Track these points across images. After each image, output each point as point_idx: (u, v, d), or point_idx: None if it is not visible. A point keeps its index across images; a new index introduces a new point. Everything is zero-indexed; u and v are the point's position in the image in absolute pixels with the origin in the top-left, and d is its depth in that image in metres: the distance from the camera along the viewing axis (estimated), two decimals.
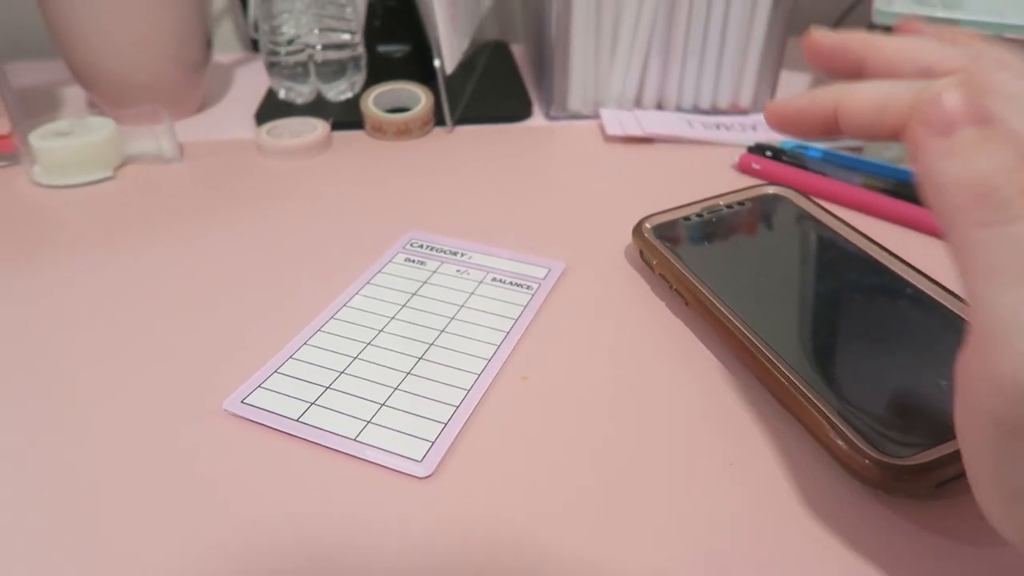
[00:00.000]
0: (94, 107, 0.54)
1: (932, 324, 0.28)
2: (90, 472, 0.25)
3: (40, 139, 0.43)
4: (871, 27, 0.69)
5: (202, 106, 0.55)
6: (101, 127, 0.45)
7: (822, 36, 0.23)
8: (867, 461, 0.22)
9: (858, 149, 0.45)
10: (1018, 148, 0.16)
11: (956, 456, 0.22)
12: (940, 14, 0.37)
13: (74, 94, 0.57)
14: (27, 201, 0.42)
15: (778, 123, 0.22)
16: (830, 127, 0.21)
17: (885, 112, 0.19)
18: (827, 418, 0.24)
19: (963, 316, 0.28)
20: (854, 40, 0.22)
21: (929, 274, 0.30)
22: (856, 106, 0.20)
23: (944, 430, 0.23)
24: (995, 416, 0.16)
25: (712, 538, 0.22)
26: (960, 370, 0.17)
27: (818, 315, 0.29)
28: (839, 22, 0.71)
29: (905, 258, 0.31)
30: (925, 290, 0.29)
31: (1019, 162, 0.16)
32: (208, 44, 0.52)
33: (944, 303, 0.28)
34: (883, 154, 0.43)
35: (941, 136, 0.17)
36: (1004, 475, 0.16)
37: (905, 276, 0.30)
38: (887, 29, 0.56)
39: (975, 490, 0.18)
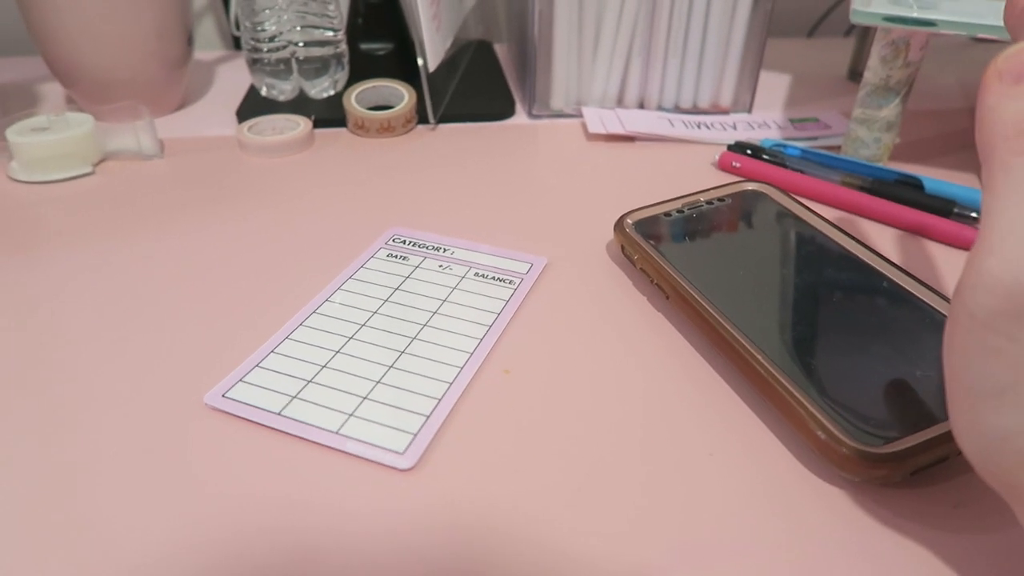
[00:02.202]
0: (73, 104, 0.53)
1: (907, 316, 0.28)
2: (71, 466, 0.24)
3: (17, 135, 0.43)
4: (850, 29, 0.71)
5: (183, 103, 0.54)
6: (80, 123, 0.44)
7: None
8: (845, 450, 0.22)
9: (837, 148, 0.46)
10: None
11: (930, 444, 0.23)
12: (915, 14, 0.38)
13: (53, 90, 0.56)
14: (4, 197, 0.41)
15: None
16: None
17: None
18: (806, 408, 0.24)
19: (935, 307, 0.28)
20: None
21: (904, 268, 0.30)
22: None
23: (919, 419, 0.23)
24: (978, 308, 0.18)
25: (693, 527, 0.22)
26: (963, 273, 0.19)
27: (797, 308, 0.29)
28: (818, 23, 0.72)
29: (881, 252, 0.31)
30: (900, 283, 0.30)
31: None
32: (189, 41, 0.51)
33: (918, 295, 0.29)
34: (860, 152, 0.43)
35: (1012, 83, 0.19)
36: (973, 372, 0.18)
37: (881, 270, 0.30)
38: (865, 31, 0.57)
39: (950, 402, 0.19)
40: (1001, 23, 0.37)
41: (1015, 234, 0.17)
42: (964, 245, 0.36)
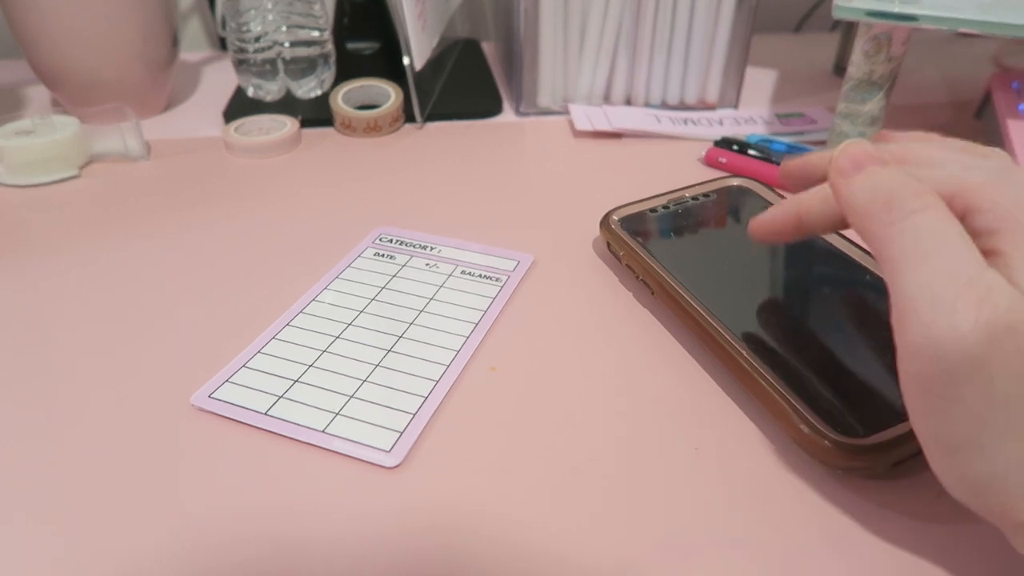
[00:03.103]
0: (58, 106, 0.53)
1: (888, 310, 0.28)
2: (57, 467, 0.24)
3: (2, 138, 0.42)
4: (835, 24, 0.71)
5: (169, 104, 0.54)
6: (65, 126, 0.44)
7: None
8: (827, 443, 0.23)
9: (822, 143, 0.46)
10: (907, 172, 0.20)
11: (911, 436, 0.23)
12: (897, 9, 0.38)
13: (38, 93, 0.56)
14: None
15: (760, 234, 0.27)
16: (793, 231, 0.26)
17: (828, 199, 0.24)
18: (788, 402, 0.24)
19: None
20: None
21: None
22: (809, 204, 0.25)
23: (900, 412, 0.24)
24: (915, 377, 0.19)
25: (677, 521, 0.22)
26: (895, 342, 0.19)
27: (780, 302, 0.29)
28: (804, 19, 0.72)
29: (864, 246, 0.31)
30: (881, 276, 0.30)
31: (909, 178, 0.20)
32: (174, 42, 0.51)
33: None
34: None
35: (853, 174, 0.21)
36: (932, 430, 0.19)
37: (863, 263, 0.31)
38: (851, 27, 0.57)
39: (926, 453, 0.20)
40: (983, 17, 0.37)
41: (920, 297, 0.18)
42: None
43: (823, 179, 0.25)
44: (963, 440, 0.18)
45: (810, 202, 0.25)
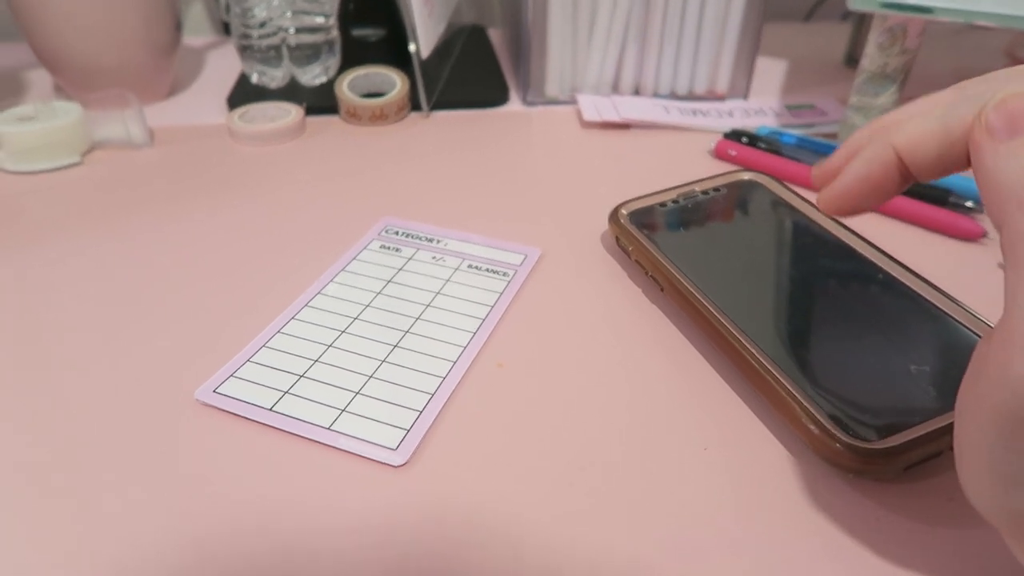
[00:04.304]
0: (60, 91, 0.53)
1: (902, 309, 0.28)
2: (60, 462, 0.24)
3: (3, 124, 0.42)
4: (846, 13, 0.70)
5: (172, 91, 0.54)
6: (67, 111, 0.44)
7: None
8: (838, 445, 0.22)
9: (833, 135, 0.46)
10: None
11: (924, 440, 0.22)
12: (912, 1, 0.37)
13: (39, 78, 0.55)
14: None
15: (842, 205, 0.21)
16: (898, 179, 0.20)
17: (949, 134, 0.19)
18: (799, 403, 0.24)
19: (931, 300, 0.28)
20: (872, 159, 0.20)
21: (899, 259, 0.30)
22: (918, 138, 0.19)
23: (912, 414, 0.23)
24: (1003, 409, 0.16)
25: (686, 521, 0.22)
26: (979, 355, 0.17)
27: (791, 300, 0.29)
28: (815, 8, 0.71)
29: (876, 243, 0.31)
30: (896, 275, 0.29)
31: None
32: (178, 27, 0.51)
33: (913, 287, 0.29)
34: None
35: (1006, 137, 0.17)
36: (997, 461, 0.16)
37: (876, 262, 0.30)
38: (862, 17, 0.56)
39: (962, 468, 0.18)
40: (998, 10, 0.36)
41: None
42: (959, 235, 0.36)
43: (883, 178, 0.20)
44: (1020, 478, 0.16)
45: (915, 139, 0.19)
